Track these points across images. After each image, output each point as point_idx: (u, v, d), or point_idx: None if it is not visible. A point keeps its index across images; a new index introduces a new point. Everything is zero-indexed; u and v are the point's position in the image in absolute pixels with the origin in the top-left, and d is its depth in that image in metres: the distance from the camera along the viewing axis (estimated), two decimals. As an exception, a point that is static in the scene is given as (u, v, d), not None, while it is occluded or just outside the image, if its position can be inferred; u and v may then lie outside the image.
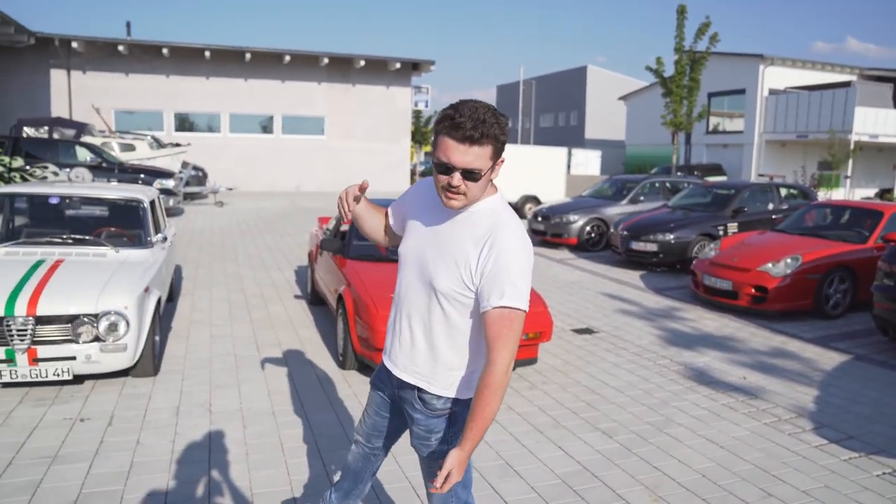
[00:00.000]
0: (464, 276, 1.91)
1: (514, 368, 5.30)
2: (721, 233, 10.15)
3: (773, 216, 10.62)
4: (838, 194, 25.02)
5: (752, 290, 7.39)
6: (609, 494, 3.45)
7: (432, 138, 1.91)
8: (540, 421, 4.39)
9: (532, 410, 4.57)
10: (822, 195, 21.77)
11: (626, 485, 3.56)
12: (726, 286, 7.66)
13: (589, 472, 3.70)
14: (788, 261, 7.36)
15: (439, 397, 2.05)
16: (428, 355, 2.03)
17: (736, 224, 10.35)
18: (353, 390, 4.78)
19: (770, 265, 7.39)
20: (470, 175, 1.82)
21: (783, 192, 11.59)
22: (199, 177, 18.69)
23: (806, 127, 26.46)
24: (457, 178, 1.83)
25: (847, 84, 26.89)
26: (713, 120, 30.80)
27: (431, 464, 2.11)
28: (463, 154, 1.80)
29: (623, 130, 40.11)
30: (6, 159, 12.81)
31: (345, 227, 6.57)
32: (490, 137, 1.80)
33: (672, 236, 10.04)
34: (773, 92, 28.44)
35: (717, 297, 7.83)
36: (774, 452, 4.02)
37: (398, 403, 2.20)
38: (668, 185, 13.84)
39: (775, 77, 28.62)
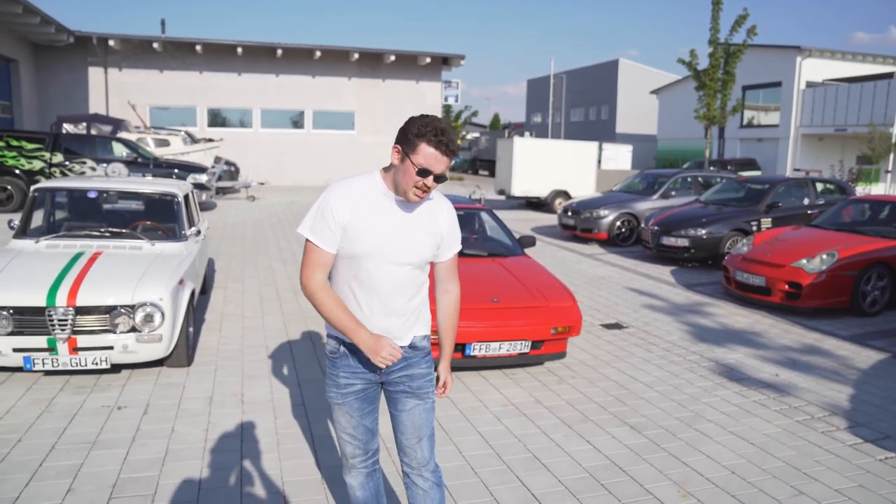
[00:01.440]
0: (437, 243, 2.43)
1: (542, 363, 5.33)
2: (754, 228, 9.98)
3: (809, 212, 10.41)
4: (878, 189, 24.32)
5: (786, 287, 7.26)
6: (637, 489, 3.44)
7: (411, 142, 2.22)
8: (568, 415, 4.39)
9: (560, 404, 4.57)
10: (861, 190, 21.21)
11: (655, 480, 3.54)
12: (759, 282, 7.53)
13: (617, 466, 3.69)
14: (824, 257, 7.21)
15: (424, 336, 2.50)
16: (410, 313, 2.43)
17: (770, 219, 10.16)
18: (382, 382, 4.83)
19: (804, 261, 7.24)
20: (440, 179, 2.25)
21: (819, 187, 11.32)
22: (231, 171, 18.97)
23: (845, 120, 25.77)
24: (431, 181, 2.24)
25: (889, 76, 26.10)
26: (748, 113, 30.18)
27: (428, 397, 2.48)
28: (444, 165, 2.24)
29: (654, 125, 39.55)
30: (47, 155, 13.21)
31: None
32: (455, 153, 2.28)
33: (704, 231, 9.90)
34: (810, 84, 27.74)
35: (750, 293, 7.70)
36: (807, 450, 3.96)
37: (375, 379, 2.45)
38: (700, 179, 13.64)
39: (813, 69, 27.91)
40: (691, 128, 28.51)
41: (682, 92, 32.22)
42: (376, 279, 2.30)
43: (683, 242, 9.97)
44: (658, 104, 38.37)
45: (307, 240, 2.29)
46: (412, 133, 2.20)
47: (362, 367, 2.40)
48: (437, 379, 2.53)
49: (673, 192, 12.94)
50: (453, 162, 2.41)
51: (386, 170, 2.34)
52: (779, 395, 4.89)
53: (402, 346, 2.39)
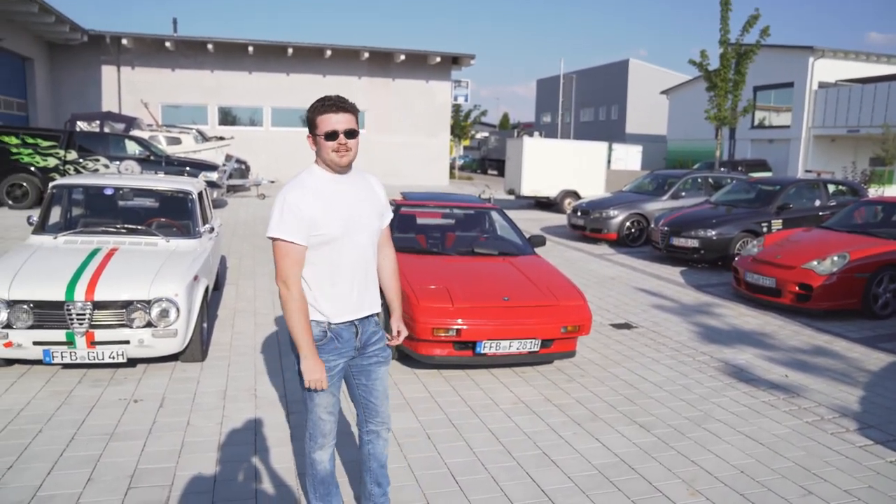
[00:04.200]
0: (381, 211, 2.72)
1: (551, 361, 5.37)
2: (765, 229, 9.96)
3: (820, 213, 10.37)
4: (892, 191, 24.14)
5: (796, 288, 7.25)
6: (646, 487, 3.48)
7: (311, 122, 2.53)
8: (577, 413, 4.43)
9: (569, 402, 4.61)
10: (874, 192, 21.07)
11: (663, 478, 3.58)
12: (769, 283, 7.53)
13: (626, 464, 3.72)
14: (835, 258, 7.20)
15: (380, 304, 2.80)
16: (375, 282, 2.75)
17: (780, 221, 10.14)
18: (393, 378, 4.88)
19: (815, 263, 7.24)
20: (350, 134, 2.50)
21: (831, 188, 11.29)
22: (242, 169, 19.07)
23: (858, 121, 25.59)
24: (343, 139, 2.49)
25: (903, 76, 25.91)
26: (759, 114, 30.01)
27: (388, 360, 2.80)
28: (344, 122, 2.50)
29: (665, 125, 39.40)
30: (62, 152, 13.34)
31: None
32: (346, 108, 2.51)
33: (714, 232, 9.89)
34: (822, 85, 27.56)
35: (760, 294, 7.70)
36: (816, 451, 3.98)
37: (354, 354, 2.68)
38: (710, 180, 13.62)
39: (826, 69, 27.72)
40: (702, 128, 28.38)
41: (693, 92, 32.10)
42: (350, 256, 2.57)
43: (693, 243, 9.97)
44: (668, 104, 38.23)
45: (277, 241, 2.47)
46: (309, 117, 2.54)
47: (345, 347, 2.63)
48: (390, 331, 2.87)
49: (683, 193, 12.92)
50: (355, 119, 2.55)
51: (317, 161, 2.60)
52: (788, 396, 4.90)
53: (369, 316, 2.71)
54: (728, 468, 3.72)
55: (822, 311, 7.20)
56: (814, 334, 6.65)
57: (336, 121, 2.47)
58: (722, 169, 20.80)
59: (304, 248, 2.48)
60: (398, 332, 2.86)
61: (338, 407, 2.70)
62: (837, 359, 5.86)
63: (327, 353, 2.59)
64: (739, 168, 23.26)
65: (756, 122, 30.43)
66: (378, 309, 2.75)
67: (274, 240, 2.48)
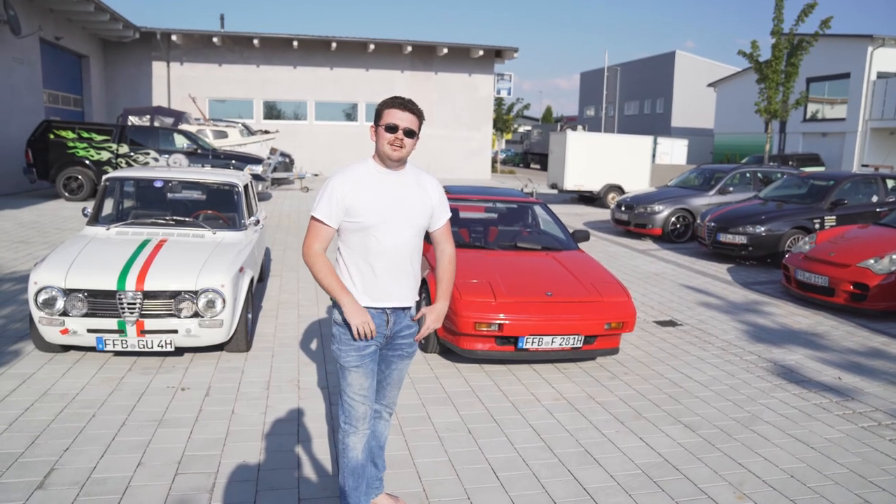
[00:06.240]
0: (429, 211, 2.79)
1: (594, 358, 5.30)
2: (817, 226, 9.63)
3: (878, 210, 9.97)
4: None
5: (851, 288, 6.99)
6: (691, 488, 3.40)
7: (378, 114, 2.70)
8: (620, 411, 4.36)
9: (612, 400, 4.54)
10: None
11: (709, 480, 3.49)
12: (821, 282, 7.28)
13: (670, 464, 3.65)
14: (894, 257, 6.91)
15: (416, 302, 2.87)
16: (414, 278, 2.80)
17: (834, 217, 9.79)
18: (435, 373, 4.89)
19: (872, 261, 6.96)
20: (409, 134, 2.67)
21: (890, 183, 10.82)
22: (286, 163, 19.33)
23: (919, 113, 24.50)
24: (401, 135, 2.64)
25: (969, 66, 24.67)
26: (812, 107, 28.98)
27: (413, 356, 2.90)
28: (408, 121, 2.67)
29: (712, 118, 38.42)
30: (114, 146, 13.76)
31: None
32: (413, 110, 2.68)
33: (763, 229, 9.61)
34: (882, 76, 26.41)
35: (811, 293, 7.45)
36: (873, 458, 3.82)
37: (382, 341, 2.75)
38: (759, 175, 13.23)
39: (885, 59, 26.52)
40: (750, 122, 27.62)
41: (742, 84, 31.23)
42: (385, 245, 2.65)
43: (741, 240, 9.70)
44: (716, 97, 37.26)
45: (311, 218, 2.69)
46: (377, 109, 2.71)
47: (377, 331, 2.70)
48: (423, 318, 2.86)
49: (730, 188, 12.59)
50: (420, 122, 2.72)
51: (374, 155, 2.75)
52: (842, 399, 4.73)
53: (405, 308, 2.78)
54: (777, 472, 3.61)
55: (879, 312, 6.92)
56: (869, 335, 6.40)
57: (400, 117, 2.65)
58: (771, 163, 20.20)
59: (332, 229, 2.67)
60: (423, 317, 2.84)
61: (372, 392, 2.75)
62: (895, 361, 5.63)
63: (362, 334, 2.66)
64: (790, 162, 22.56)
65: (809, 115, 29.40)
66: (410, 304, 2.80)
67: (311, 217, 2.71)
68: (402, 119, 2.65)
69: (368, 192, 2.65)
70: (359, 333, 2.61)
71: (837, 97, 28.37)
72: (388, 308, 2.73)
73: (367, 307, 2.68)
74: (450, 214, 2.92)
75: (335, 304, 2.71)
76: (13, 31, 13.72)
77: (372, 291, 2.69)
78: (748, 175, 13.17)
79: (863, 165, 25.02)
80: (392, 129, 2.64)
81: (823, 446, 3.95)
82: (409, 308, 2.81)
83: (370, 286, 2.69)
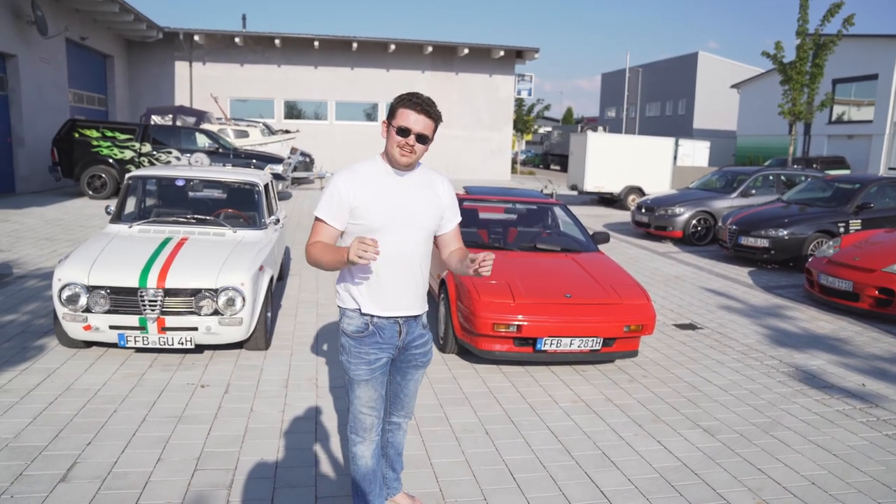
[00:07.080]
0: (439, 213, 2.64)
1: (613, 360, 5.26)
2: (841, 230, 9.48)
3: (905, 214, 9.79)
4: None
5: (876, 293, 6.87)
6: (709, 493, 3.36)
7: (392, 111, 2.51)
8: (638, 414, 4.32)
9: (630, 403, 4.50)
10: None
11: (728, 485, 3.45)
12: (846, 287, 7.16)
13: (688, 468, 3.61)
14: (920, 262, 6.78)
15: (425, 312, 2.75)
16: (423, 282, 2.66)
17: (859, 221, 9.62)
18: (453, 373, 4.89)
19: (898, 266, 6.83)
20: (422, 139, 2.49)
21: (918, 187, 10.62)
22: (307, 162, 19.46)
23: (948, 116, 24.03)
24: (412, 140, 2.46)
25: None
26: (837, 108, 28.57)
27: (427, 365, 2.81)
28: (422, 125, 2.47)
29: (734, 120, 38.03)
30: (137, 145, 13.95)
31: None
32: (430, 113, 2.48)
33: (786, 232, 9.48)
34: (909, 77, 25.99)
35: (835, 298, 7.33)
36: (896, 465, 3.76)
37: (394, 352, 2.65)
38: (782, 178, 13.06)
39: (913, 61, 26.11)
40: (774, 123, 27.27)
41: (766, 86, 30.85)
42: (394, 251, 2.50)
43: (763, 243, 9.58)
44: (739, 99, 36.87)
45: (315, 219, 2.60)
46: (392, 105, 2.52)
47: (387, 342, 2.60)
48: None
49: (753, 191, 12.44)
50: (436, 126, 2.53)
51: (383, 152, 2.60)
52: (866, 405, 4.65)
53: (416, 316, 2.66)
54: (798, 479, 3.56)
55: (905, 318, 6.79)
56: (895, 342, 6.28)
57: (414, 120, 2.46)
58: (795, 166, 19.92)
59: (336, 229, 2.56)
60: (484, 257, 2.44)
61: (381, 403, 2.66)
62: (921, 368, 5.52)
63: (368, 345, 2.57)
64: (815, 165, 22.22)
65: (834, 117, 28.97)
66: (421, 311, 2.69)
67: (314, 217, 2.61)
68: (416, 122, 2.45)
69: (374, 192, 2.51)
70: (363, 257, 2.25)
71: (864, 99, 27.92)
72: (400, 318, 2.61)
73: (376, 316, 2.56)
74: (460, 218, 2.78)
75: (343, 314, 2.62)
76: (40, 32, 13.97)
77: (379, 299, 2.56)
78: (771, 178, 13.01)
79: (890, 168, 24.57)
80: (404, 132, 2.45)
81: (846, 453, 3.89)
82: (420, 316, 2.70)
83: (377, 293, 2.55)
